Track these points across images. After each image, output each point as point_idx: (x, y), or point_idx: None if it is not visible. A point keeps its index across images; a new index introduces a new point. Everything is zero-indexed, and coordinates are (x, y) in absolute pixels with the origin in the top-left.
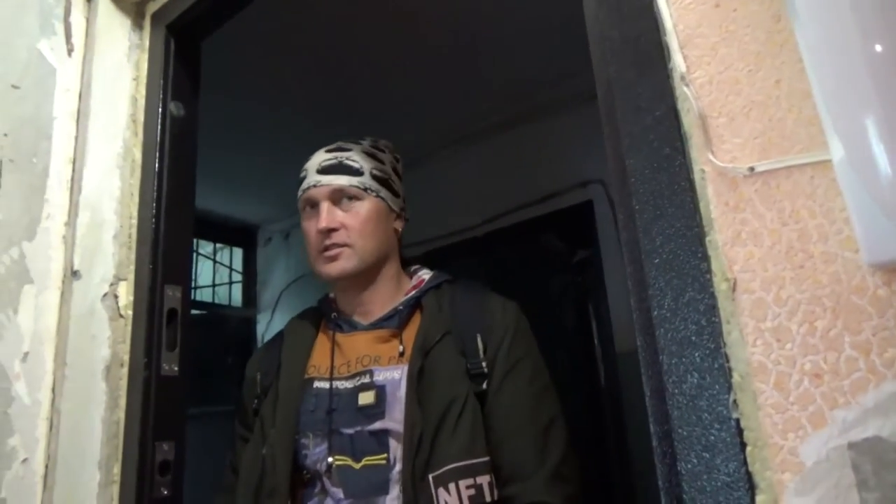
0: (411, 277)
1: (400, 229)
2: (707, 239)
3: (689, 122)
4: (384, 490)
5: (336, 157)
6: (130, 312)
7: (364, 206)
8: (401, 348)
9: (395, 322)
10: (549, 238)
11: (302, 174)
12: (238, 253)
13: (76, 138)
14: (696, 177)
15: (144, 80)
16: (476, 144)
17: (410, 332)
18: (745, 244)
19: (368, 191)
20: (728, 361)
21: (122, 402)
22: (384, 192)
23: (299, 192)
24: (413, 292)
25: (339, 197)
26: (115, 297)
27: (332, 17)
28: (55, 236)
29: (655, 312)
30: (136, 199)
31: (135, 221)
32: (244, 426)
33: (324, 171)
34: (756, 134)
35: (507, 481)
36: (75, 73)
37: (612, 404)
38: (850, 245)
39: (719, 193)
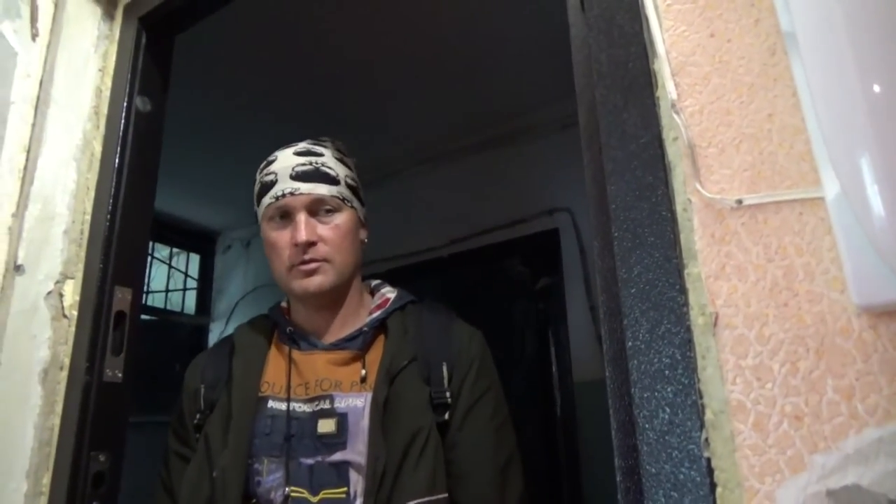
0: (372, 294)
1: (365, 240)
2: (686, 272)
3: (674, 151)
4: None
5: (311, 162)
6: (75, 313)
7: (342, 219)
8: (363, 373)
9: (358, 344)
10: (513, 263)
11: (267, 176)
12: (195, 259)
13: (33, 126)
14: (679, 207)
15: (111, 72)
16: (445, 165)
17: (373, 356)
18: (729, 278)
19: (345, 201)
20: (702, 398)
21: (59, 407)
22: (356, 203)
23: (267, 199)
24: (377, 313)
25: (317, 207)
26: (61, 295)
27: (306, 25)
28: (0, 227)
29: (630, 343)
30: (92, 194)
31: (88, 217)
32: (182, 443)
33: (299, 177)
34: (746, 166)
35: None
36: (38, 59)
37: (567, 435)
38: (837, 285)
39: (705, 225)
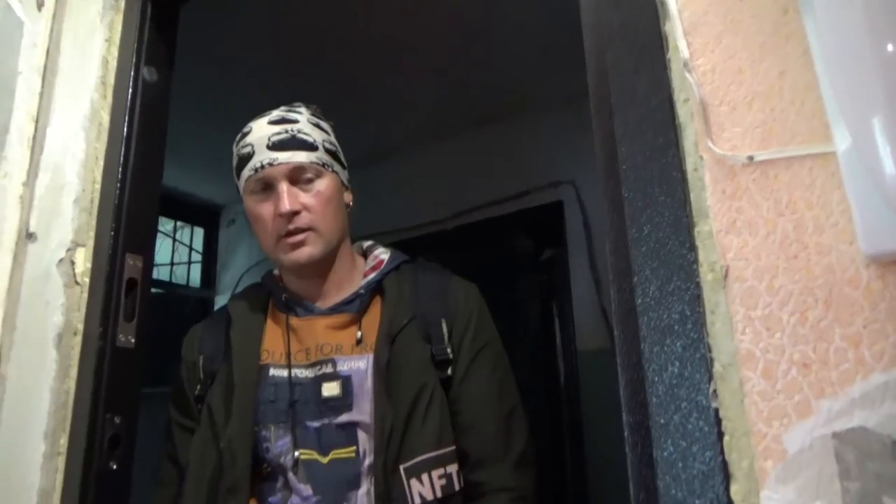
0: (364, 256)
1: (350, 203)
2: (696, 230)
3: (685, 112)
4: (355, 484)
5: (286, 130)
6: (87, 280)
7: (324, 184)
8: (359, 335)
9: (355, 306)
10: (517, 236)
11: (244, 149)
12: (199, 232)
13: (41, 95)
14: (690, 167)
15: (117, 42)
16: (449, 138)
17: (370, 318)
18: (740, 233)
19: (325, 166)
20: (710, 351)
21: (74, 371)
22: (336, 166)
23: (246, 172)
24: (372, 275)
25: (297, 176)
26: (72, 262)
27: (310, 4)
28: (12, 196)
29: (639, 300)
30: (101, 163)
31: (98, 186)
32: (184, 414)
33: (276, 146)
34: (757, 124)
35: (473, 468)
36: (44, 29)
37: (570, 404)
38: (846, 237)
39: (716, 181)
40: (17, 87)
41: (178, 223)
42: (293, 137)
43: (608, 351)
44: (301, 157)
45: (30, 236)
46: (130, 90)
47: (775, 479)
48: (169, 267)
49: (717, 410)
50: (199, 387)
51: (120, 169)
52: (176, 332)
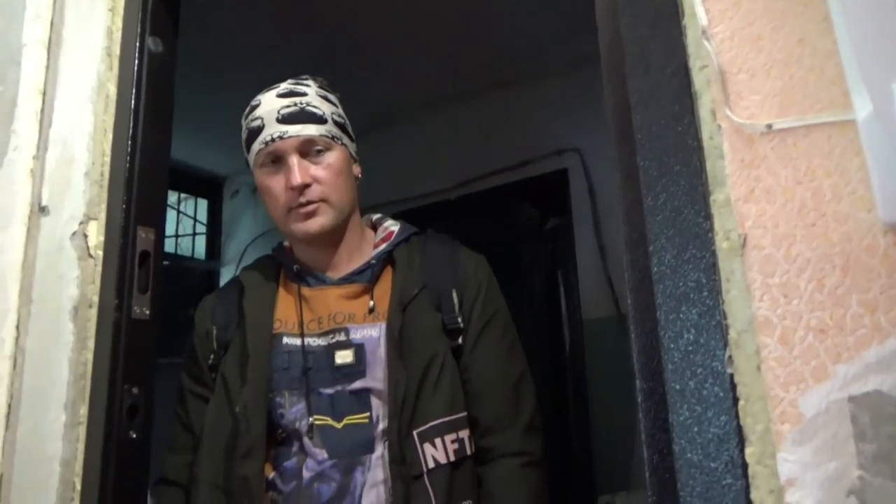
0: (374, 228)
1: (359, 176)
2: (711, 198)
3: (700, 80)
4: (369, 449)
5: (295, 103)
6: (100, 253)
7: (334, 157)
8: (371, 304)
9: (366, 277)
10: (522, 204)
11: (254, 122)
12: (203, 204)
13: (47, 68)
14: (706, 135)
15: (121, 12)
16: (452, 107)
17: (381, 288)
18: (758, 201)
19: (335, 139)
20: (725, 318)
21: (91, 343)
22: (345, 139)
23: (256, 145)
24: (383, 246)
25: (307, 148)
26: (85, 236)
27: None
28: (22, 169)
29: (655, 269)
30: (110, 136)
31: (108, 159)
32: (197, 382)
33: (286, 119)
34: (776, 91)
35: (484, 434)
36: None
37: (575, 372)
38: (864, 205)
39: (735, 149)
40: (22, 59)
41: (182, 195)
42: (302, 110)
43: (613, 319)
44: (311, 129)
45: (42, 210)
46: (136, 61)
47: (791, 441)
48: (174, 239)
49: (731, 376)
50: (212, 356)
51: (129, 141)
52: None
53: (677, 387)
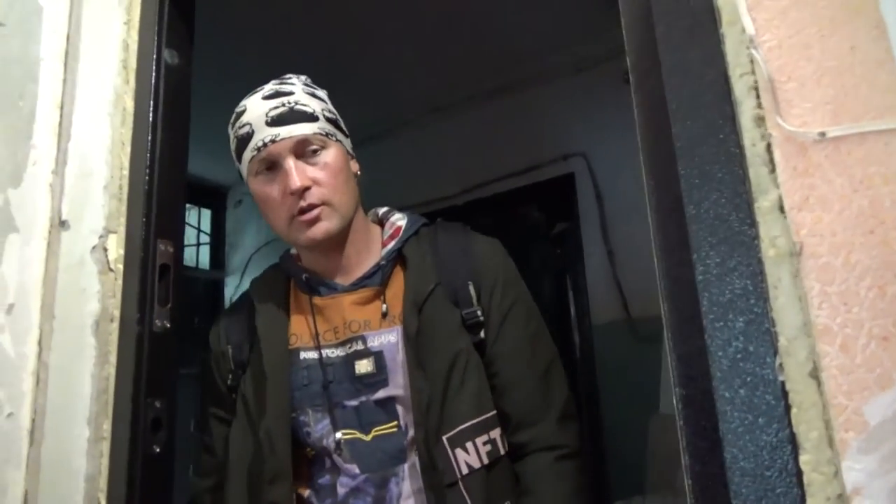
0: (381, 224)
1: (358, 173)
2: (756, 205)
3: (741, 88)
4: (401, 458)
5: (283, 104)
6: (121, 266)
7: (330, 156)
8: (384, 308)
9: (377, 279)
10: (529, 209)
11: (242, 129)
12: (206, 214)
13: (64, 82)
14: (748, 142)
15: (136, 24)
16: (459, 113)
17: (394, 289)
18: (813, 209)
19: (329, 136)
20: (774, 326)
21: (113, 357)
22: (339, 135)
23: (248, 153)
24: (391, 244)
25: (302, 149)
26: (105, 249)
27: None
28: (42, 184)
29: (700, 277)
30: (128, 149)
31: (126, 173)
32: (218, 405)
33: (275, 121)
34: (827, 99)
35: (515, 429)
36: (64, 13)
37: (586, 376)
38: None
39: (787, 158)
40: (40, 74)
41: (186, 205)
42: (292, 110)
43: (623, 322)
44: (303, 129)
45: (62, 224)
46: (154, 74)
47: (857, 450)
48: None
49: (783, 384)
50: (230, 376)
51: (148, 155)
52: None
53: (727, 395)
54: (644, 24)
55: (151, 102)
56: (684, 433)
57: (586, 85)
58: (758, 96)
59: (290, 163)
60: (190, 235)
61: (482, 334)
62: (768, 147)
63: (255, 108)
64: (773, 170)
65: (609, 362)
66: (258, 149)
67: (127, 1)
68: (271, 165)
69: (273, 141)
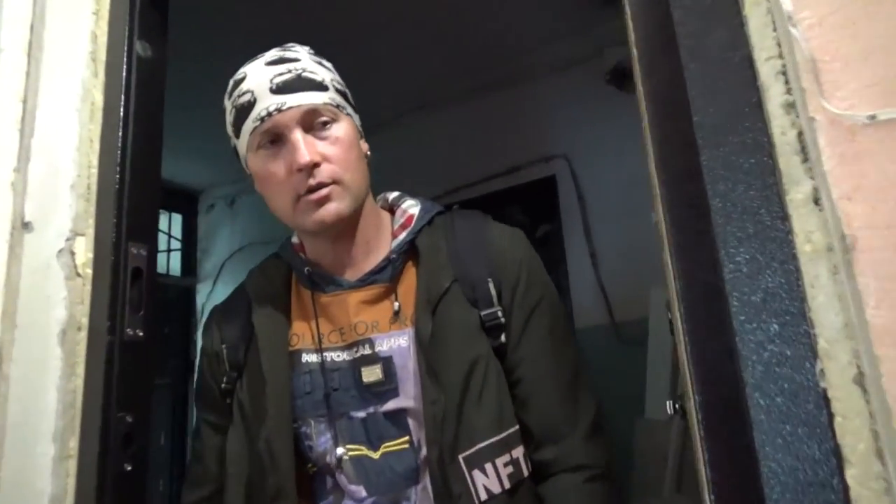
0: (392, 211)
1: (368, 153)
2: (788, 198)
3: (768, 71)
4: (413, 479)
5: (290, 70)
6: (90, 271)
7: (342, 130)
8: (396, 306)
9: (387, 275)
10: (512, 212)
11: (242, 97)
12: (177, 219)
13: (27, 74)
14: (776, 129)
15: (106, 15)
16: (438, 113)
17: (406, 285)
18: (867, 199)
19: (340, 108)
20: (813, 328)
21: (80, 369)
22: (349, 109)
23: (249, 124)
24: (402, 234)
25: (311, 121)
26: (72, 253)
27: None
28: (3, 183)
29: (728, 276)
30: (97, 146)
31: (95, 171)
32: (211, 410)
33: (282, 88)
34: (876, 80)
35: (539, 446)
36: (26, 2)
37: None
38: None
39: (833, 144)
40: (1, 65)
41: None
42: (299, 77)
43: (607, 326)
44: (313, 98)
45: (26, 226)
46: (125, 66)
47: None
48: None
49: (825, 391)
50: (225, 379)
51: (119, 152)
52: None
53: (762, 402)
54: (657, 7)
55: (123, 97)
56: (706, 445)
57: (567, 86)
58: (787, 81)
59: (298, 135)
60: (160, 241)
61: (503, 338)
62: (800, 135)
63: (258, 74)
64: (805, 159)
65: (593, 366)
66: (261, 119)
67: None
68: (276, 138)
69: (279, 110)
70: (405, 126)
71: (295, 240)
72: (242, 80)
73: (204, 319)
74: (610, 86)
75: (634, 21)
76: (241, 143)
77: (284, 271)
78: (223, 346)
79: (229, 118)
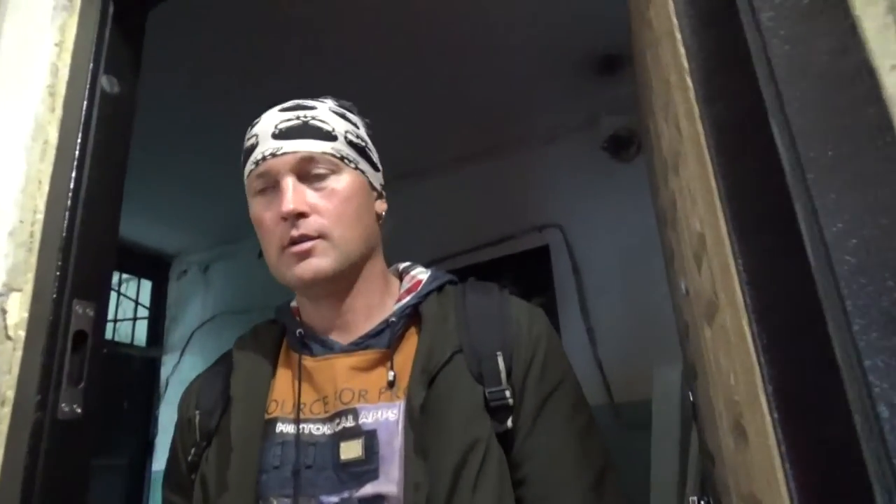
0: (401, 278)
1: (383, 214)
2: None
3: (894, 82)
4: None
5: (298, 117)
6: (22, 333)
7: (342, 182)
8: (391, 375)
9: (384, 339)
10: (503, 282)
11: (248, 141)
12: (147, 286)
13: None
14: None
15: (70, 47)
16: (430, 179)
17: (405, 353)
18: None
19: (345, 160)
20: None
21: None
22: (363, 164)
23: (248, 167)
24: (407, 298)
25: (307, 170)
26: (4, 311)
27: (292, 26)
28: None
29: (862, 344)
30: (45, 188)
31: (40, 217)
32: (177, 489)
33: (283, 134)
34: None
35: None
36: None
37: None
38: None
39: None
40: None
41: (124, 275)
42: (305, 124)
43: (605, 408)
44: (312, 146)
45: None
46: (86, 102)
47: None
48: (112, 323)
49: None
50: (193, 450)
51: (69, 195)
52: (117, 397)
53: None
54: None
55: (80, 134)
56: None
57: (561, 153)
58: None
59: (289, 182)
60: (127, 308)
61: (509, 422)
62: None
63: (268, 118)
64: None
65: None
66: (256, 163)
67: (61, 20)
68: (270, 184)
69: (273, 155)
70: (397, 192)
71: (294, 303)
72: (256, 124)
73: (166, 394)
74: (604, 153)
75: (694, 32)
76: (246, 186)
77: (277, 334)
78: (197, 411)
79: (242, 161)
